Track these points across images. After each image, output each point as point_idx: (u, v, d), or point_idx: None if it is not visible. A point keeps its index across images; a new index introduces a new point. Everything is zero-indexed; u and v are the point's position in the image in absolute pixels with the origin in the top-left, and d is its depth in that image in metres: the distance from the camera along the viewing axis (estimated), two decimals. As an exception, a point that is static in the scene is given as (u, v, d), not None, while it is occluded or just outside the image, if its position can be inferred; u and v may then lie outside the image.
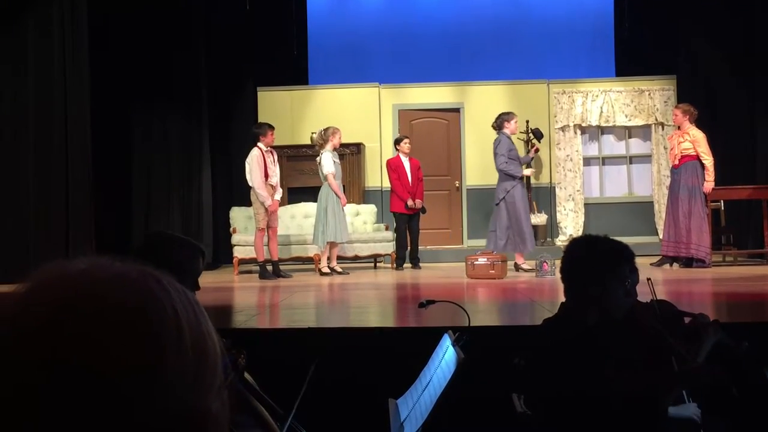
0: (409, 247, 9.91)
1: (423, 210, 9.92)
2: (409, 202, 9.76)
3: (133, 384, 0.67)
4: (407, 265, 9.91)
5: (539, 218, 11.42)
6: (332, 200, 9.00)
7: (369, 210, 10.91)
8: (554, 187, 11.96)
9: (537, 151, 9.04)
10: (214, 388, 0.73)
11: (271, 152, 8.92)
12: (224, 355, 2.13)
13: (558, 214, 11.92)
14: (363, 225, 10.64)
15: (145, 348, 0.68)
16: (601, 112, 11.96)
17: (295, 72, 11.98)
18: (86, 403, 0.66)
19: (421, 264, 9.96)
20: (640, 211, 11.92)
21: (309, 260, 9.87)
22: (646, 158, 12.10)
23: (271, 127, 8.97)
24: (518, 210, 8.72)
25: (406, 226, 9.83)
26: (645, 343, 2.55)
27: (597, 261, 2.56)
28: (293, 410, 2.54)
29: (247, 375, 2.64)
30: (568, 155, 11.96)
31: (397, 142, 10.09)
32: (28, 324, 0.68)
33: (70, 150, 7.97)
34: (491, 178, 9.53)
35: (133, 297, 0.70)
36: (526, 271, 8.68)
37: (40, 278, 0.71)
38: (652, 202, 11.89)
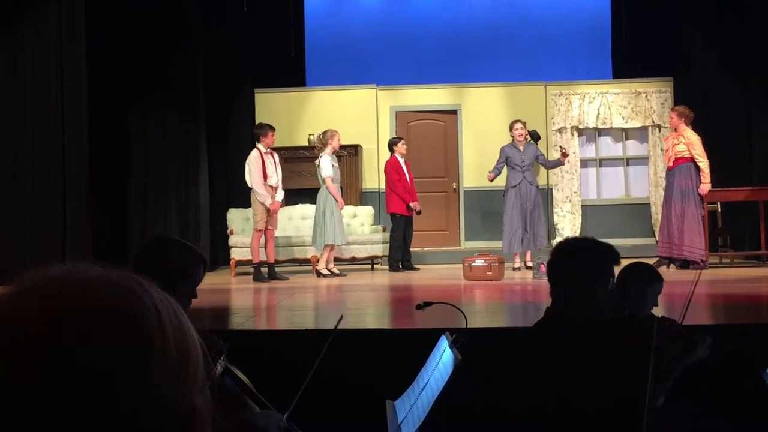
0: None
1: (419, 212, 9.95)
2: (412, 205, 9.78)
3: (122, 381, 0.68)
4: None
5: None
6: (330, 203, 9.01)
7: (366, 212, 10.90)
8: (551, 189, 11.96)
9: (565, 155, 9.72)
10: (198, 385, 0.74)
11: (272, 153, 8.93)
12: (207, 357, 2.13)
13: (555, 216, 11.93)
14: (360, 227, 10.64)
15: (132, 346, 0.70)
16: (598, 113, 11.97)
17: (292, 74, 11.98)
18: (76, 400, 0.66)
19: (416, 265, 9.98)
20: (637, 212, 11.93)
21: (306, 262, 9.87)
22: (643, 160, 12.11)
23: (272, 128, 8.98)
24: (504, 212, 9.46)
25: (404, 228, 9.83)
26: (631, 343, 2.57)
27: (583, 259, 2.64)
28: (300, 390, 2.54)
29: (242, 376, 2.64)
30: (572, 153, 11.96)
31: (393, 143, 10.05)
32: (14, 325, 0.69)
33: (67, 152, 7.96)
34: (488, 180, 9.65)
35: (116, 297, 0.72)
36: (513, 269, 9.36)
37: (23, 283, 0.73)
38: (649, 203, 11.90)
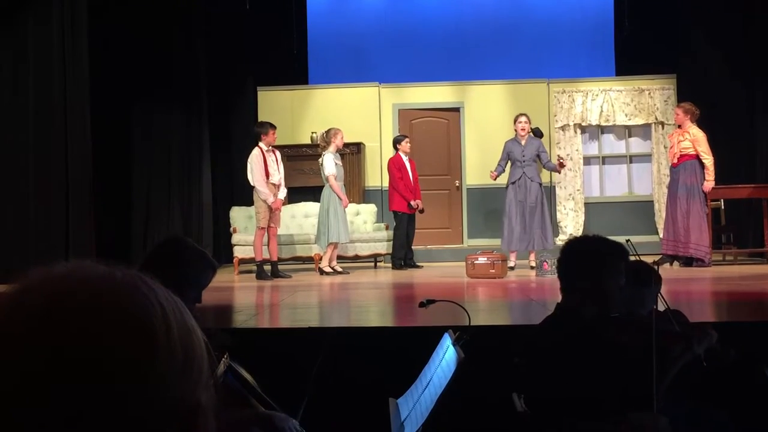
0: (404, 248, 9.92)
1: (421, 210, 9.93)
2: (413, 203, 9.76)
3: (127, 378, 0.68)
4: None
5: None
6: (334, 201, 9.02)
7: (369, 209, 10.90)
8: (554, 187, 11.96)
9: (562, 165, 9.30)
10: (202, 382, 0.75)
11: (273, 151, 8.93)
12: (211, 355, 2.15)
13: (558, 214, 11.93)
14: (363, 224, 10.64)
15: (137, 342, 0.70)
16: (601, 111, 11.96)
17: (295, 71, 11.98)
18: (81, 398, 0.66)
19: (419, 263, 9.97)
20: (640, 210, 11.92)
21: (309, 260, 9.87)
22: (646, 157, 12.10)
23: (273, 126, 8.97)
24: (504, 209, 9.21)
25: (406, 226, 9.82)
26: (641, 341, 2.58)
27: (592, 256, 2.68)
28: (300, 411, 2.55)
29: (246, 374, 2.64)
30: (568, 154, 11.95)
31: (397, 141, 10.05)
32: (19, 323, 0.69)
33: (70, 149, 7.97)
34: (491, 179, 9.54)
35: (121, 294, 0.72)
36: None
37: (27, 281, 0.73)
38: (652, 201, 11.89)
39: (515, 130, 9.32)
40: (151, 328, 0.71)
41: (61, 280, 0.72)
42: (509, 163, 9.29)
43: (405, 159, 9.91)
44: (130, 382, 0.68)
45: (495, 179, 9.33)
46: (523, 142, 9.19)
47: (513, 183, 9.15)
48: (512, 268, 8.96)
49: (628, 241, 2.90)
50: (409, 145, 10.02)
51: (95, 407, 0.67)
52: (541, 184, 9.27)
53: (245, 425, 2.39)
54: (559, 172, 9.44)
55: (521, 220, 9.05)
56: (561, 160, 9.32)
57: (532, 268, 8.89)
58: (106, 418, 0.67)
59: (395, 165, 9.87)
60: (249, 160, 8.79)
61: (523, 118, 9.25)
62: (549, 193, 11.94)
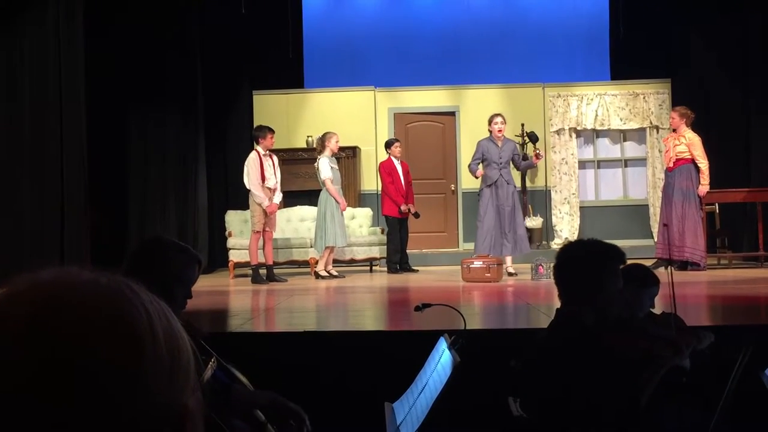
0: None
1: (417, 215, 9.88)
2: (403, 207, 9.74)
3: (113, 384, 0.68)
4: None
5: (535, 221, 11.43)
6: (331, 205, 9.03)
7: (364, 213, 10.90)
8: (550, 191, 11.97)
9: (538, 157, 8.93)
10: (189, 386, 0.75)
11: (271, 156, 8.94)
12: (198, 359, 2.15)
13: (553, 218, 11.93)
14: (359, 228, 10.63)
15: (124, 346, 0.70)
16: (596, 115, 11.98)
17: (290, 75, 11.98)
18: (68, 404, 0.66)
19: (415, 267, 9.96)
20: (635, 214, 11.94)
21: (305, 264, 9.87)
22: (641, 161, 12.12)
23: (271, 131, 8.98)
24: (479, 212, 8.85)
25: (398, 230, 9.81)
26: (637, 347, 2.58)
27: (589, 260, 2.65)
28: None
29: (242, 377, 2.64)
30: (563, 158, 11.97)
31: (388, 145, 10.05)
32: (4, 330, 0.69)
33: (66, 152, 7.95)
34: (475, 177, 9.34)
35: (106, 299, 0.72)
36: None
37: (13, 287, 0.73)
38: (647, 205, 11.92)
39: (490, 131, 8.84)
40: (137, 333, 0.71)
41: (46, 286, 0.72)
42: (481, 165, 8.82)
43: (396, 163, 9.90)
44: (117, 387, 0.68)
45: (479, 176, 8.91)
46: (499, 144, 8.76)
47: (489, 186, 8.73)
48: (512, 274, 8.63)
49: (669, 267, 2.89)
50: (399, 148, 10.01)
51: (82, 413, 0.67)
52: (516, 188, 8.90)
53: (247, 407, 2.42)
54: (536, 165, 9.23)
55: (499, 225, 8.66)
56: (537, 151, 8.94)
57: (510, 274, 8.61)
58: (93, 424, 0.67)
59: (385, 169, 9.87)
60: (246, 163, 8.79)
61: (499, 119, 8.81)
62: (544, 196, 11.97)
